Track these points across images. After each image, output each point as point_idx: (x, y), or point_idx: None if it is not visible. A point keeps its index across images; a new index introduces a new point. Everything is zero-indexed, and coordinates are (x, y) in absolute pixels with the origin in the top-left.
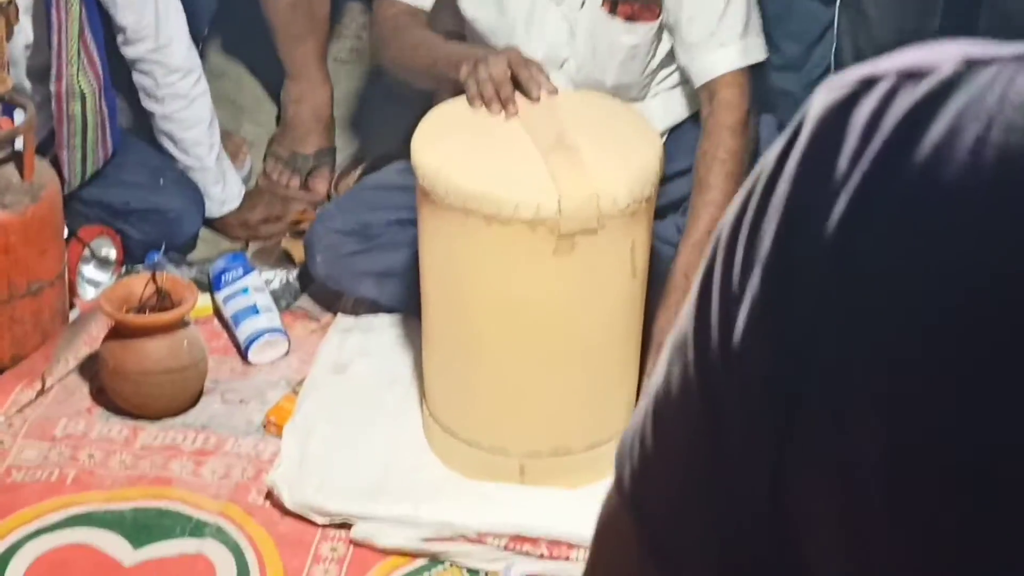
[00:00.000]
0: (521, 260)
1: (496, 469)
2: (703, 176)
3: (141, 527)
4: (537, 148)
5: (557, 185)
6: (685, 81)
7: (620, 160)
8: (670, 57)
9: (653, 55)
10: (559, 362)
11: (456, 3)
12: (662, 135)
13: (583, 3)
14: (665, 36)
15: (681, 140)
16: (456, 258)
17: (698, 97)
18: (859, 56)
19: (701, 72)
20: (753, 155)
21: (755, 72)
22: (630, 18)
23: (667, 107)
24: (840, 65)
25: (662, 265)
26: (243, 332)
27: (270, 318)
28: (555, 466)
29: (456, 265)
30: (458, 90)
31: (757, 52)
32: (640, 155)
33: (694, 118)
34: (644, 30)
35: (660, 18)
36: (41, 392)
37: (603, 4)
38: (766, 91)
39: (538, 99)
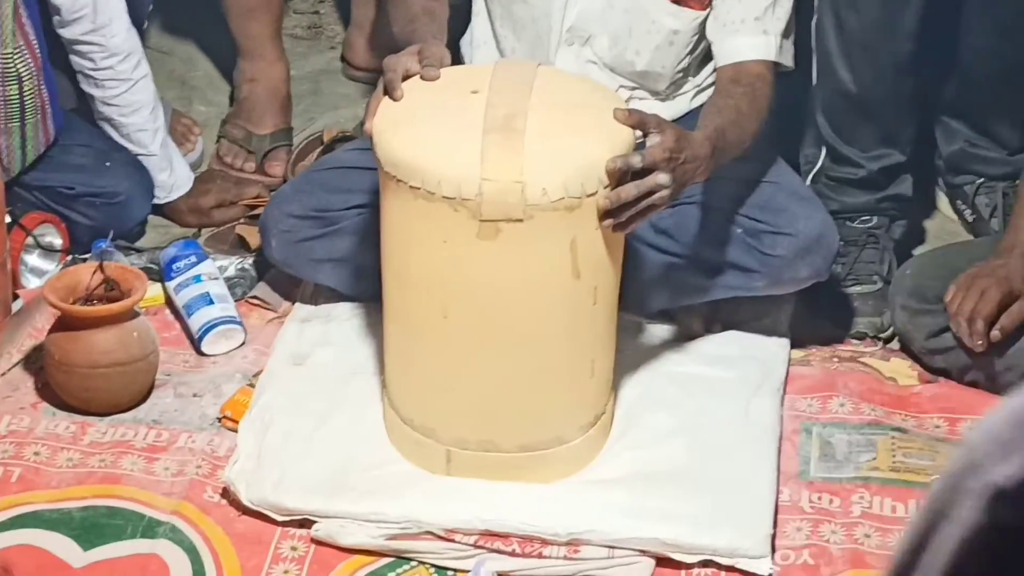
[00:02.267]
0: (445, 239)
1: (425, 453)
2: (726, 87)
3: (90, 527)
4: (484, 127)
5: (483, 166)
6: (697, 88)
7: (565, 151)
8: (701, 62)
9: (692, 50)
10: (486, 352)
11: None
12: None
13: None
14: (704, 42)
15: None
16: (393, 229)
17: (694, 97)
18: (842, 31)
19: (733, 52)
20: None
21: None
22: (678, 1)
23: (667, 110)
24: (821, 41)
25: (637, 263)
26: (196, 322)
27: (224, 307)
28: (483, 461)
29: (393, 237)
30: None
31: (790, 58)
32: (592, 149)
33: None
34: (689, 17)
35: (708, 10)
36: None
37: None
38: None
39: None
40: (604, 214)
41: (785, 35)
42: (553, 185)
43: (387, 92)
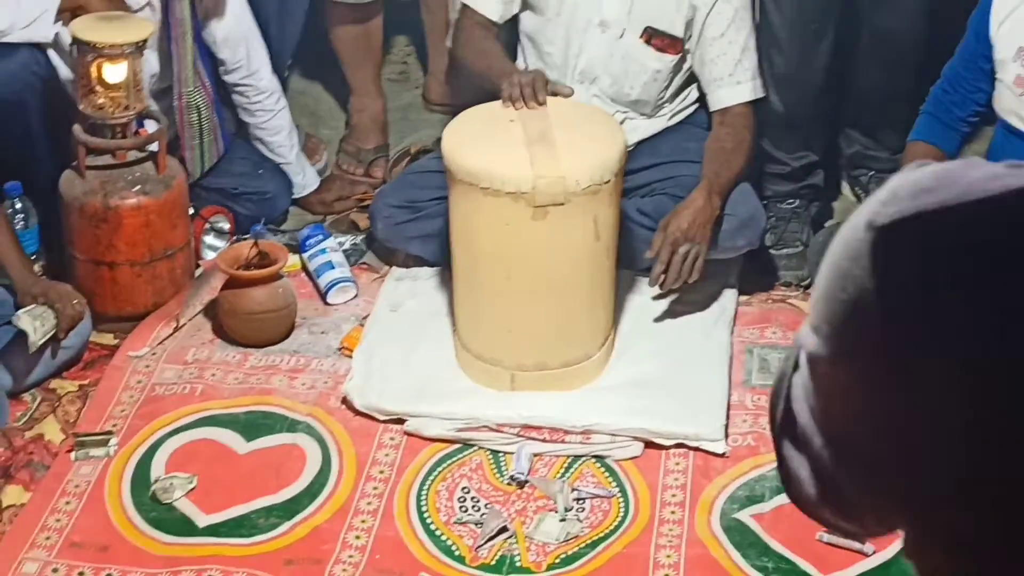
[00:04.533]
0: (507, 223)
1: (494, 377)
2: (716, 131)
3: (251, 425)
4: (525, 141)
5: (534, 168)
6: (672, 112)
7: (586, 153)
8: (676, 93)
9: (669, 84)
10: (538, 300)
11: (520, 22)
12: (639, 143)
13: (622, 34)
14: (678, 77)
15: (647, 145)
16: (465, 219)
17: (670, 118)
18: (772, 66)
19: (719, 100)
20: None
21: (754, 107)
22: (660, 49)
23: (651, 126)
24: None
25: (629, 234)
26: (323, 281)
27: (343, 271)
28: (537, 378)
29: (466, 224)
30: (492, 96)
31: (761, 91)
32: (603, 151)
33: (659, 133)
34: (667, 60)
35: (680, 55)
36: (176, 329)
37: (641, 36)
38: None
39: (569, 94)
40: (659, 286)
41: (753, 77)
42: (583, 177)
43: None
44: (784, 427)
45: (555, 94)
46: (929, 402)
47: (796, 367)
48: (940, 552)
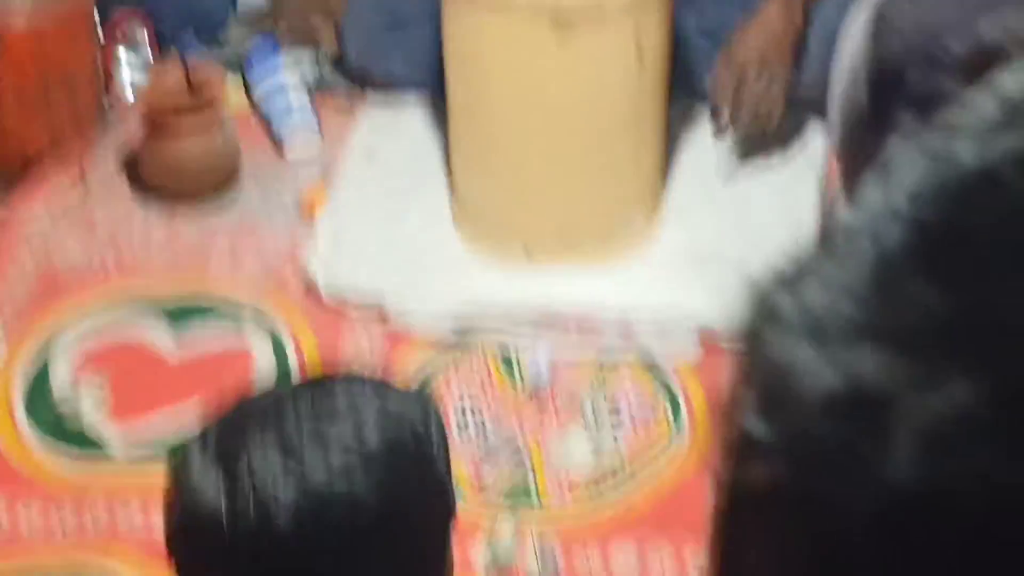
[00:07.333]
0: (521, 48)
1: (504, 246)
2: None
3: (182, 312)
4: None
5: None
6: None
7: None
8: None
9: None
10: (563, 147)
11: None
12: None
13: None
14: None
15: None
16: (465, 42)
17: None
18: None
19: None
20: None
21: None
22: None
23: None
24: None
25: (679, 59)
26: (276, 119)
27: (301, 103)
28: (559, 246)
29: (466, 49)
30: None
31: None
32: None
33: None
34: None
35: None
36: (81, 181)
37: None
38: None
39: None
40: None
41: None
42: None
43: None
44: None
45: None
46: None
47: None
48: None
